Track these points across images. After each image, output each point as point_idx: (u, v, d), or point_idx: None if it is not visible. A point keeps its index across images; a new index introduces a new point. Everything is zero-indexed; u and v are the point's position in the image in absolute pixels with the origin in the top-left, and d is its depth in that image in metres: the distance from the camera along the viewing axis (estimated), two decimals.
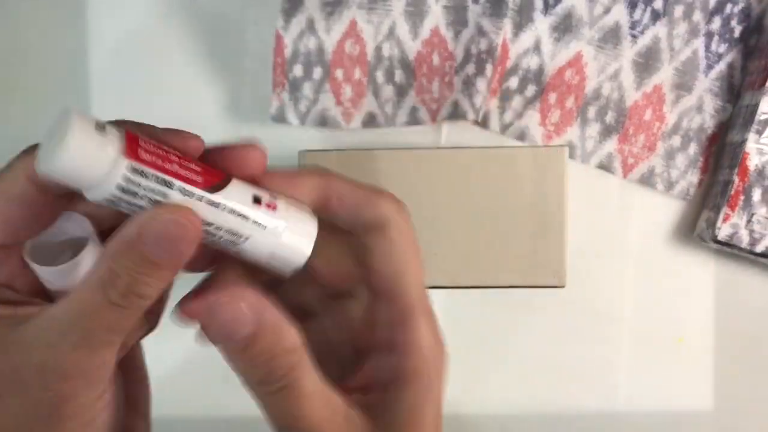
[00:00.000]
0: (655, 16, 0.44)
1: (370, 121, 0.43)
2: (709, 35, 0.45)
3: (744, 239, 0.44)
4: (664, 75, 0.45)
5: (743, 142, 0.43)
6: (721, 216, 0.43)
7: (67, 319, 0.19)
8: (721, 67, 0.45)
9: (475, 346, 0.47)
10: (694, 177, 0.46)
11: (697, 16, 0.44)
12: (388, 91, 0.43)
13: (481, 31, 0.42)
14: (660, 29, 0.44)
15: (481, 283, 0.39)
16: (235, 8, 0.44)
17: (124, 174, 0.18)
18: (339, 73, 0.42)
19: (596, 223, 0.46)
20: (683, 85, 0.45)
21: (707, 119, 0.46)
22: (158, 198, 0.19)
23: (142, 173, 0.18)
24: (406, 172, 0.38)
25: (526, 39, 0.44)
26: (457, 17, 0.42)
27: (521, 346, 0.47)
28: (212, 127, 0.45)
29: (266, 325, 0.20)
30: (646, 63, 0.45)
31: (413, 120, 0.44)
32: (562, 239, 0.39)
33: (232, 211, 0.20)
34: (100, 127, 0.18)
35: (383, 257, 0.22)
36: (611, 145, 0.46)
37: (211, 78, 0.45)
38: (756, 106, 0.43)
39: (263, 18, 0.43)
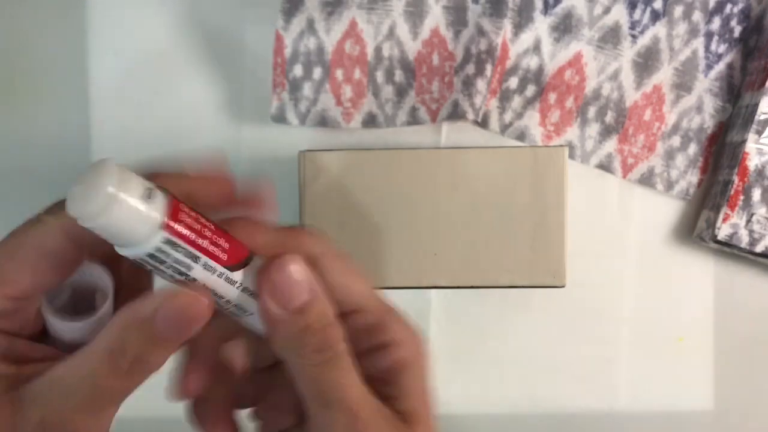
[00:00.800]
0: (655, 16, 0.44)
1: (370, 121, 0.43)
2: (709, 35, 0.45)
3: (744, 239, 0.44)
4: (664, 75, 0.45)
5: (743, 142, 0.43)
6: (721, 216, 0.43)
7: (74, 382, 0.20)
8: (720, 67, 0.45)
9: (475, 345, 0.47)
10: (693, 177, 0.46)
11: (697, 16, 0.44)
12: (388, 91, 0.43)
13: (480, 31, 0.42)
14: (660, 29, 0.44)
15: (481, 283, 0.39)
16: (235, 8, 0.44)
17: (157, 245, 0.18)
18: (339, 74, 0.42)
19: (596, 223, 0.46)
20: (683, 85, 0.45)
21: (707, 119, 0.46)
22: (182, 269, 0.19)
23: (174, 245, 0.19)
24: (406, 172, 0.38)
25: (526, 39, 0.44)
26: (457, 17, 0.43)
27: (521, 345, 0.47)
28: (212, 127, 0.45)
29: (319, 294, 0.21)
30: (646, 63, 0.45)
31: (413, 120, 0.44)
32: (562, 239, 0.39)
33: (245, 290, 0.21)
34: (148, 192, 0.18)
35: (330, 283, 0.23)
36: (611, 145, 0.46)
37: (211, 78, 0.45)
38: (756, 106, 0.43)
39: (263, 18, 0.43)
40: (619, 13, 0.44)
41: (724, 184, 0.44)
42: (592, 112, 0.45)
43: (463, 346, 0.47)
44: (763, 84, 0.42)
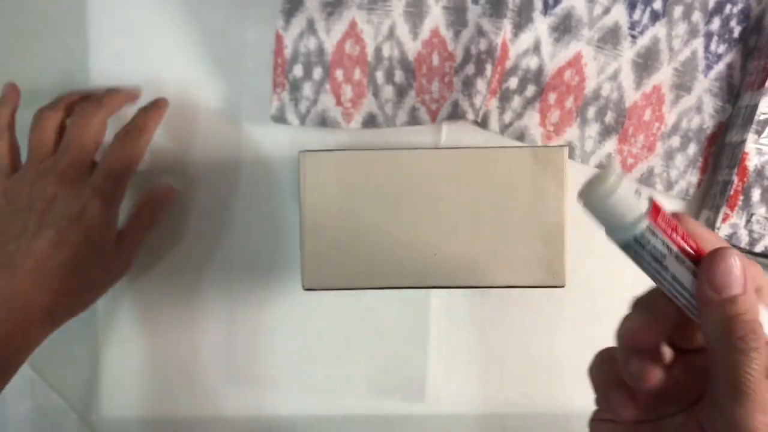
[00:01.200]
0: (655, 17, 0.44)
1: (370, 122, 0.43)
2: (709, 36, 0.45)
3: (743, 239, 0.44)
4: (664, 75, 0.45)
5: (742, 142, 0.43)
6: (721, 216, 0.43)
7: None
8: (720, 67, 0.45)
9: (475, 345, 0.47)
10: (693, 177, 0.46)
11: (697, 16, 0.44)
12: (387, 91, 0.43)
13: (480, 32, 0.42)
14: (659, 29, 0.44)
15: (480, 283, 0.39)
16: (235, 8, 0.44)
17: (642, 231, 0.23)
18: (339, 74, 0.42)
19: (595, 222, 0.46)
20: (682, 85, 0.45)
21: (706, 119, 0.46)
22: (658, 257, 0.24)
23: (654, 234, 0.23)
24: (406, 173, 0.38)
25: (526, 39, 0.44)
26: (457, 18, 0.42)
27: (521, 345, 0.47)
28: (212, 126, 0.45)
29: (751, 291, 0.23)
30: (646, 63, 0.45)
31: (413, 120, 0.44)
32: (562, 239, 0.39)
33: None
34: (638, 192, 0.25)
35: None
36: (611, 145, 0.46)
37: (212, 78, 0.45)
38: (755, 106, 0.43)
39: (263, 18, 0.43)
40: (619, 14, 0.44)
41: (724, 184, 0.44)
42: (591, 112, 0.45)
43: (463, 346, 0.47)
44: (763, 84, 0.42)
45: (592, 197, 0.23)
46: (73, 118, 0.41)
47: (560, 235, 0.39)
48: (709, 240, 0.25)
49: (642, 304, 0.27)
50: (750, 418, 0.22)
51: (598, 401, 0.29)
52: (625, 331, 0.26)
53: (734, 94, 0.46)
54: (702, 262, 0.24)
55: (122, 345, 0.47)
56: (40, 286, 0.37)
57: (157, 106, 0.43)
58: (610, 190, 0.23)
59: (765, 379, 0.22)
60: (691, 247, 0.24)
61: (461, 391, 0.48)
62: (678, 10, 0.44)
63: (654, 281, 0.25)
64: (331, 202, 0.37)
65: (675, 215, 0.25)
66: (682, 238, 0.24)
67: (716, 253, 0.23)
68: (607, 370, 0.28)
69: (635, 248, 0.24)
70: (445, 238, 0.38)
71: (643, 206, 0.23)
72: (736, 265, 0.23)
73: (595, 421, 0.29)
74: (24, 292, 0.37)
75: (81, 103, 0.42)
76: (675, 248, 0.24)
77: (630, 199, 0.23)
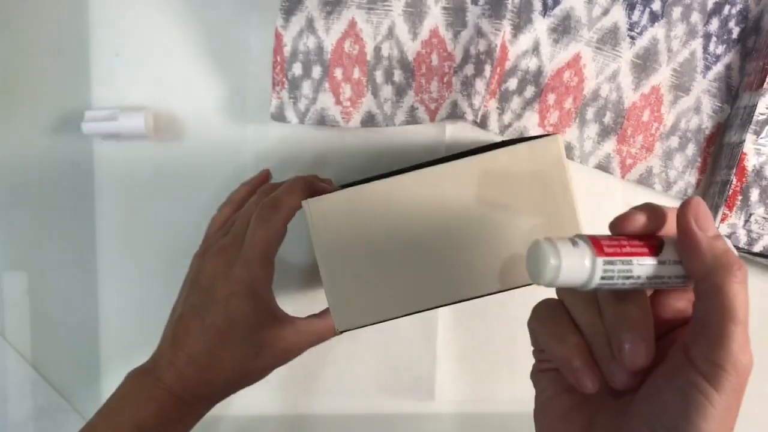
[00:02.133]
0: (654, 18, 0.44)
1: (368, 121, 0.44)
2: (707, 36, 0.45)
3: (742, 239, 0.44)
4: (662, 76, 0.45)
5: (741, 142, 0.43)
6: (719, 216, 0.44)
7: None
8: (718, 68, 0.45)
9: (482, 345, 0.47)
10: (692, 177, 0.46)
11: (695, 17, 0.45)
12: (387, 90, 0.43)
13: (480, 32, 0.42)
14: (658, 30, 0.44)
15: (506, 286, 0.38)
16: (235, 9, 0.44)
17: (602, 268, 0.25)
18: (338, 73, 0.42)
19: (595, 223, 0.46)
20: (681, 86, 0.45)
21: (705, 120, 0.46)
22: (627, 273, 0.25)
23: (611, 263, 0.25)
24: (410, 195, 0.37)
25: (525, 40, 0.44)
26: (457, 18, 0.43)
27: (528, 345, 0.47)
28: (212, 126, 0.45)
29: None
30: (645, 64, 0.45)
31: (412, 119, 0.44)
32: (576, 226, 0.38)
33: (674, 262, 0.26)
34: (575, 243, 0.25)
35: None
36: (609, 145, 0.46)
37: (212, 77, 0.45)
38: (754, 106, 0.43)
39: (265, 18, 0.44)
40: (618, 15, 0.44)
41: (723, 185, 0.44)
42: (590, 113, 0.45)
43: (471, 346, 0.47)
44: (762, 84, 0.43)
45: (546, 283, 0.25)
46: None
47: (574, 227, 0.39)
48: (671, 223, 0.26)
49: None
50: (745, 334, 0.24)
51: (537, 353, 0.31)
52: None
53: (733, 95, 0.46)
54: (680, 211, 0.25)
55: (122, 345, 0.47)
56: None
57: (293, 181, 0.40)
58: (555, 273, 0.25)
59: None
60: (645, 243, 0.26)
61: (470, 389, 0.48)
62: (677, 11, 0.44)
63: (639, 288, 0.26)
64: (344, 242, 0.37)
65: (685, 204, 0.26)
66: (632, 246, 0.26)
67: (690, 201, 0.25)
68: (558, 323, 0.28)
69: (608, 285, 0.25)
70: (463, 250, 0.38)
71: (589, 253, 0.25)
72: (706, 207, 0.25)
73: (539, 372, 0.31)
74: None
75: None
76: (634, 258, 0.25)
77: (577, 262, 0.25)
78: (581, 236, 0.26)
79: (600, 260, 0.25)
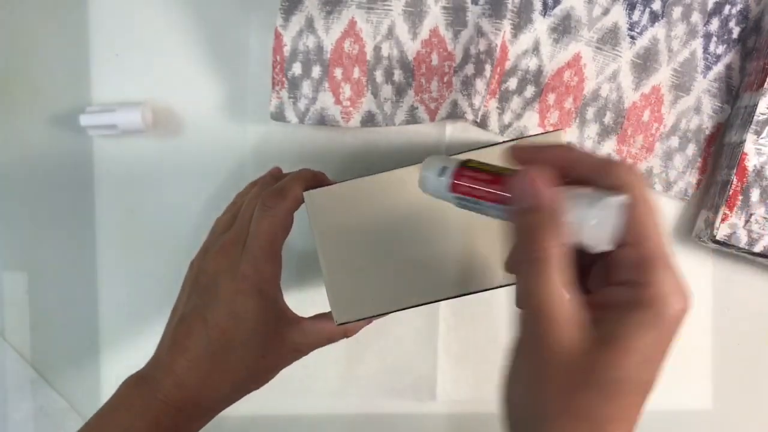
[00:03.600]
0: (654, 18, 0.44)
1: (368, 120, 0.43)
2: (708, 36, 0.45)
3: (742, 239, 0.44)
4: (663, 76, 0.45)
5: (741, 142, 0.43)
6: (720, 216, 0.44)
7: None
8: (719, 68, 0.45)
9: (485, 344, 0.47)
10: (692, 177, 0.46)
11: (696, 17, 0.45)
12: (386, 90, 0.43)
13: (480, 32, 0.42)
14: (658, 30, 0.44)
15: (507, 280, 0.38)
16: (235, 8, 0.44)
17: (455, 198, 0.29)
18: (338, 72, 0.42)
19: None
20: (681, 86, 0.45)
21: (705, 120, 0.46)
22: (477, 208, 0.29)
23: (464, 199, 0.29)
24: (408, 189, 0.37)
25: (525, 40, 0.44)
26: (457, 18, 0.43)
27: None
28: (212, 126, 0.45)
29: (543, 205, 0.25)
30: (645, 64, 0.45)
31: (412, 119, 0.44)
32: None
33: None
34: (441, 171, 0.30)
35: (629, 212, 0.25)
36: (610, 145, 0.46)
37: (212, 77, 0.45)
38: (754, 106, 0.43)
39: (264, 18, 0.44)
40: (618, 15, 0.44)
41: (723, 185, 0.44)
42: (590, 112, 0.45)
43: (473, 346, 0.47)
44: (762, 84, 0.43)
45: (420, 187, 0.31)
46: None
47: None
48: (587, 167, 0.26)
49: None
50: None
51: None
52: None
53: (733, 95, 0.46)
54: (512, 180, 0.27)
55: (122, 345, 0.47)
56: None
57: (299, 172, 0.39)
58: (422, 182, 0.31)
59: (557, 295, 0.25)
60: (502, 187, 0.28)
61: (472, 389, 0.48)
62: (677, 11, 0.44)
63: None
64: (344, 235, 0.37)
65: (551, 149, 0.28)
66: (485, 185, 0.28)
67: (519, 172, 0.26)
68: None
69: (460, 204, 0.30)
70: (464, 244, 0.38)
71: (447, 180, 0.29)
72: (529, 181, 0.25)
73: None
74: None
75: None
76: (484, 202, 0.28)
77: (435, 179, 0.30)
78: (453, 170, 0.30)
79: (451, 195, 0.30)
